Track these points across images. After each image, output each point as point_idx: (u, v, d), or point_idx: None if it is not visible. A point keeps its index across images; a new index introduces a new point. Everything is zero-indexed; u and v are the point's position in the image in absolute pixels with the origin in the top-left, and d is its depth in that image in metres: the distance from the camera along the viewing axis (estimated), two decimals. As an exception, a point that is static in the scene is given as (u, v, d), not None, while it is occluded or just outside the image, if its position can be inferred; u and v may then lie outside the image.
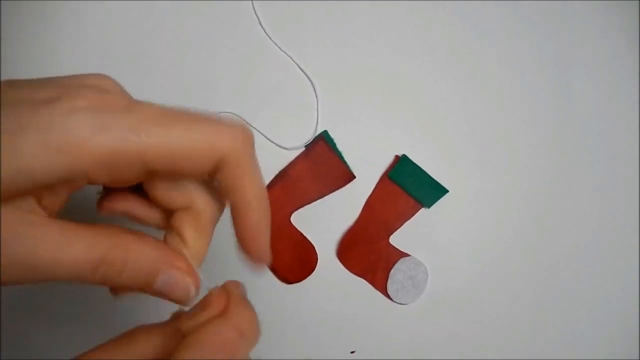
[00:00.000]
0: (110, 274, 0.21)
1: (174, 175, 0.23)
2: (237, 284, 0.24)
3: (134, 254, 0.21)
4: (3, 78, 0.41)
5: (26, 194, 0.20)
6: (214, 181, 0.23)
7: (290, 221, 0.43)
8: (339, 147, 0.43)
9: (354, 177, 0.43)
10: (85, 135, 0.19)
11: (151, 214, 0.25)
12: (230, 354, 0.21)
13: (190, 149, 0.21)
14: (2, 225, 0.19)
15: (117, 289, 0.23)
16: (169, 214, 0.25)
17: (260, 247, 0.24)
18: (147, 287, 0.22)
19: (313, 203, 0.43)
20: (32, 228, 0.20)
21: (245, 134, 0.23)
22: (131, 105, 0.21)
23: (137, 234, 0.23)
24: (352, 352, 0.42)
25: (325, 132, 0.43)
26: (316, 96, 0.44)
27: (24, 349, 0.41)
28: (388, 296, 0.43)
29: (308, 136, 0.43)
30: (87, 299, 0.41)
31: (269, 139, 0.43)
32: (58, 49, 0.43)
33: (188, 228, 0.24)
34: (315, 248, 0.43)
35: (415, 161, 0.43)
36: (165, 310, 0.25)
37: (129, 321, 0.42)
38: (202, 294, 0.24)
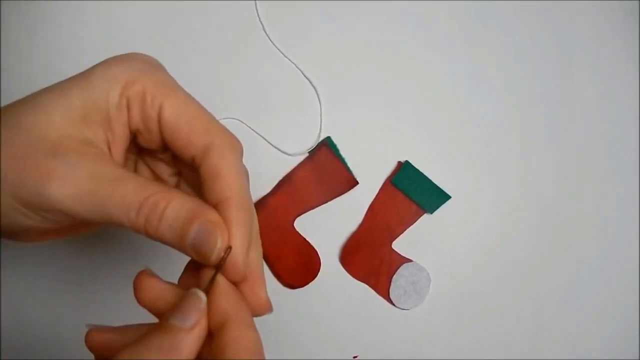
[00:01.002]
0: (152, 217, 0.23)
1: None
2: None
3: (174, 201, 0.24)
4: (3, 78, 0.42)
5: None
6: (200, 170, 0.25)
7: (293, 226, 0.43)
8: (342, 153, 0.43)
9: (357, 182, 0.43)
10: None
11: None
12: None
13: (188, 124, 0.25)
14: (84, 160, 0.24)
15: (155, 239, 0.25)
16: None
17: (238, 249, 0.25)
18: (183, 237, 0.23)
19: (316, 208, 0.43)
20: (99, 162, 0.24)
21: (238, 140, 0.26)
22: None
23: (179, 190, 0.25)
24: (355, 357, 0.43)
25: (329, 138, 0.43)
26: (319, 102, 0.44)
27: (24, 348, 0.41)
28: (391, 301, 0.43)
29: (311, 142, 0.43)
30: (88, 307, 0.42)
31: (272, 145, 0.43)
32: (58, 49, 0.43)
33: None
34: (319, 253, 0.43)
35: (417, 167, 0.43)
36: None
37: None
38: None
